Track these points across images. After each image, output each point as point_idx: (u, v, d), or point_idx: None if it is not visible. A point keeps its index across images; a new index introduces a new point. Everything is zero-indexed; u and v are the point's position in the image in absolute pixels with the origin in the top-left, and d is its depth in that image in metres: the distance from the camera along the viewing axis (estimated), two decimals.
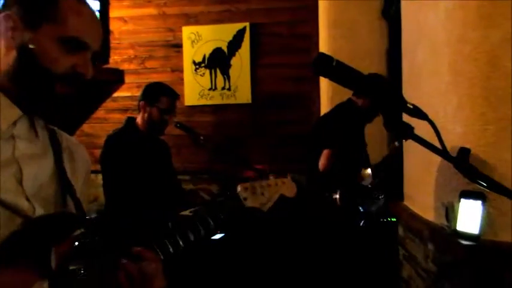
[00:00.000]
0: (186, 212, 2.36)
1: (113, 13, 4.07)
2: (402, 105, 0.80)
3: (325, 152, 2.54)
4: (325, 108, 3.66)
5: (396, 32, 3.58)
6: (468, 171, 0.77)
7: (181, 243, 0.95)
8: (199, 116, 3.93)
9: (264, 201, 1.10)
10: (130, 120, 2.52)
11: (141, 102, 2.47)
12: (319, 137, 2.70)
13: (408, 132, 0.80)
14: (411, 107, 0.80)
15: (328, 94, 3.61)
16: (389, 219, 2.42)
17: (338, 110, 2.78)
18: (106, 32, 4.00)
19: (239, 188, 1.09)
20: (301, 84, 3.85)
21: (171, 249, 0.93)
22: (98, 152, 4.08)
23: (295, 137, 3.68)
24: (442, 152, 0.78)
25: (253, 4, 3.90)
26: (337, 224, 2.50)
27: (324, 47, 3.69)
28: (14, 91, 0.86)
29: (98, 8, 3.89)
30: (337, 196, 2.50)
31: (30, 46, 0.84)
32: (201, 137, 2.62)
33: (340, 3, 3.60)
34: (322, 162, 2.54)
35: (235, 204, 1.07)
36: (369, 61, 3.56)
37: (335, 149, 2.53)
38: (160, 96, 2.45)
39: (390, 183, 2.45)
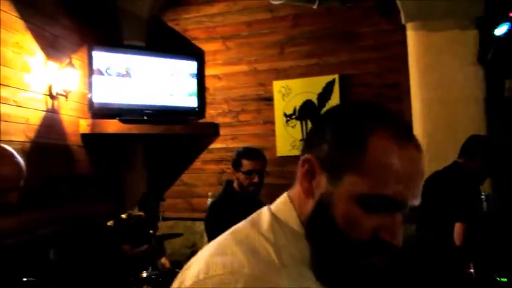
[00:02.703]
0: None
1: (208, 71, 4.41)
2: None
3: (460, 227, 2.45)
4: None
5: (494, 78, 3.45)
6: None
7: None
8: (291, 166, 4.02)
9: None
10: (229, 184, 2.74)
11: (231, 169, 2.72)
12: (437, 204, 2.58)
13: None
14: None
15: (423, 144, 3.49)
16: None
17: (452, 175, 2.66)
18: (202, 89, 4.33)
19: None
20: None
21: None
22: (195, 201, 4.39)
23: None
24: None
25: (341, 57, 3.99)
26: None
27: (415, 95, 3.64)
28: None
29: (196, 68, 4.26)
30: (472, 270, 2.39)
31: (327, 198, 0.68)
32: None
33: (431, 49, 3.57)
34: (459, 239, 2.44)
35: None
36: (463, 108, 3.45)
37: (468, 223, 2.45)
38: (242, 159, 2.63)
39: None
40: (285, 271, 0.65)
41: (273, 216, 0.74)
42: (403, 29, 3.72)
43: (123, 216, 3.21)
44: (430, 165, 3.27)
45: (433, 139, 3.47)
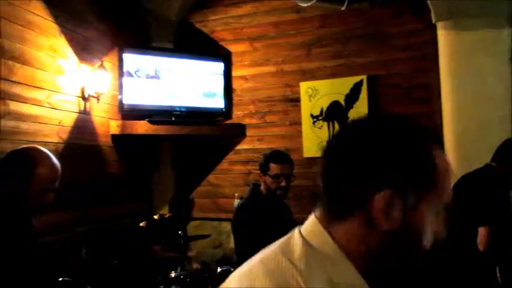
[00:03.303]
0: None
1: (236, 72, 4.43)
2: None
3: (484, 231, 2.40)
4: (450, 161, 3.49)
5: None
6: None
7: None
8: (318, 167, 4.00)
9: None
10: (255, 187, 2.75)
11: (259, 173, 2.72)
12: (465, 205, 2.54)
13: None
14: None
15: (454, 146, 3.44)
16: None
17: (481, 178, 2.61)
18: (229, 90, 4.36)
19: None
20: None
21: None
22: (222, 201, 4.42)
23: None
24: None
25: (370, 57, 3.94)
26: None
27: (446, 96, 3.56)
28: (363, 272, 0.71)
29: (223, 69, 4.29)
30: (498, 274, 2.35)
31: (409, 225, 0.69)
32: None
33: (462, 49, 3.49)
34: (482, 243, 2.39)
35: None
36: (495, 109, 3.36)
37: (494, 226, 2.40)
38: (269, 163, 2.63)
39: None
40: None
41: (305, 240, 0.72)
42: (433, 29, 3.65)
43: (155, 217, 3.26)
44: (460, 167, 3.20)
45: (464, 141, 3.40)
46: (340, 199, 0.72)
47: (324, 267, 0.68)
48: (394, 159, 0.68)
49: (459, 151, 3.41)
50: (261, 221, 2.49)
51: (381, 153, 0.69)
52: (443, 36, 3.57)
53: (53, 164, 1.75)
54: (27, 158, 1.73)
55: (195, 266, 3.44)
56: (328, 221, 0.73)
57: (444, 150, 0.74)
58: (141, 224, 3.16)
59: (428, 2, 3.52)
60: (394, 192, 0.67)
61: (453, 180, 2.91)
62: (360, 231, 0.70)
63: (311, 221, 0.75)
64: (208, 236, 3.66)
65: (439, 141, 0.74)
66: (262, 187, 2.72)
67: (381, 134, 0.72)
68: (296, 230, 0.75)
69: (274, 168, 2.63)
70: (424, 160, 0.69)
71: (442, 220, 0.73)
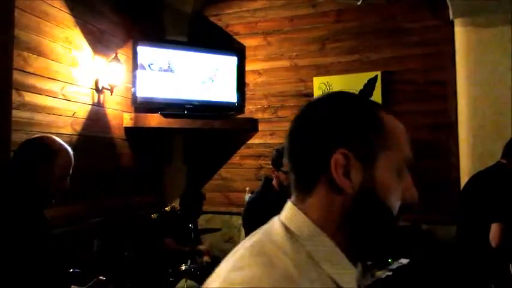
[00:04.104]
0: None
1: (249, 67, 4.42)
2: None
3: (496, 227, 2.37)
4: (464, 158, 3.45)
5: None
6: None
7: None
8: None
9: None
10: (267, 182, 2.76)
11: (271, 168, 2.73)
12: (477, 202, 2.54)
13: None
14: None
15: (469, 143, 3.40)
16: None
17: (492, 175, 2.58)
18: (242, 84, 4.35)
19: None
20: (438, 132, 3.68)
21: None
22: (233, 195, 4.43)
23: (431, 187, 3.40)
24: None
25: (384, 53, 3.90)
26: None
27: (462, 92, 3.51)
28: (343, 242, 0.72)
29: (236, 63, 4.28)
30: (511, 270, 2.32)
31: (368, 182, 0.71)
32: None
33: (480, 46, 3.43)
34: (494, 240, 2.37)
35: None
36: (509, 104, 3.32)
37: (506, 223, 2.36)
38: (283, 159, 2.62)
39: None
40: (303, 280, 0.66)
41: (285, 226, 0.75)
42: (450, 25, 3.59)
43: (167, 209, 3.28)
44: (476, 163, 3.17)
45: (480, 138, 3.35)
46: (304, 170, 0.76)
47: (303, 247, 0.71)
48: (344, 121, 0.74)
49: (474, 147, 3.37)
50: (271, 216, 2.48)
51: (331, 117, 0.74)
52: (461, 33, 3.51)
53: (68, 151, 1.85)
54: (48, 147, 1.82)
55: (206, 259, 3.45)
56: (301, 200, 0.76)
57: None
58: (153, 216, 3.18)
59: None
60: (349, 151, 0.71)
61: (467, 177, 2.89)
62: (326, 200, 0.73)
63: (287, 207, 0.79)
64: (218, 229, 3.67)
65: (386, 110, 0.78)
66: (274, 182, 2.71)
67: (332, 102, 0.78)
68: (276, 218, 0.79)
69: None
70: (371, 119, 0.74)
71: (410, 181, 0.76)
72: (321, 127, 0.74)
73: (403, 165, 0.75)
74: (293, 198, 0.79)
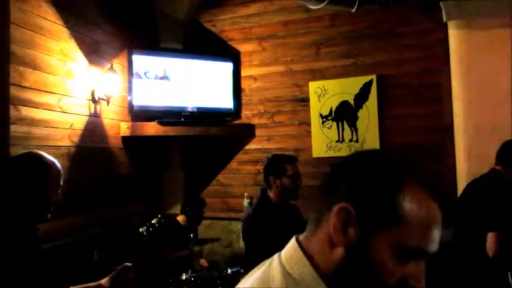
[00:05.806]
0: None
1: (244, 72, 4.43)
2: None
3: (493, 237, 2.39)
4: (461, 161, 3.47)
5: None
6: None
7: None
8: (327, 167, 3.99)
9: None
10: (264, 193, 2.71)
11: (270, 178, 2.66)
12: (474, 211, 2.55)
13: None
14: None
15: (465, 145, 3.42)
16: None
17: (487, 183, 2.60)
18: (238, 90, 4.36)
19: None
20: (434, 135, 3.70)
21: None
22: (232, 201, 4.44)
23: (427, 190, 3.44)
24: None
25: (379, 57, 3.91)
26: None
27: (457, 95, 3.54)
28: None
29: (231, 69, 4.29)
30: (510, 279, 2.34)
31: (362, 248, 0.69)
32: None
33: (474, 48, 3.45)
34: (491, 249, 2.39)
35: None
36: (507, 110, 3.34)
37: (502, 232, 2.39)
38: (285, 165, 2.64)
39: None
40: None
41: (285, 271, 0.74)
42: (444, 28, 3.61)
43: (154, 221, 3.28)
44: (471, 168, 3.20)
45: (475, 141, 3.38)
46: (314, 210, 0.78)
47: None
48: (362, 180, 0.73)
49: (470, 150, 3.40)
50: (272, 230, 2.48)
51: (352, 173, 0.75)
52: (454, 36, 3.53)
53: (57, 163, 1.89)
54: (40, 161, 1.84)
55: (202, 262, 3.45)
56: (308, 238, 0.77)
57: (430, 197, 0.73)
58: (141, 230, 3.19)
59: (440, 1, 3.48)
60: (353, 208, 0.70)
61: (464, 180, 2.89)
62: (325, 246, 0.73)
63: (291, 246, 0.79)
64: (218, 239, 3.68)
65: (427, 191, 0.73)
66: (272, 192, 2.68)
67: (361, 160, 0.78)
68: (276, 258, 0.79)
69: (290, 168, 2.65)
70: (387, 191, 0.71)
71: (416, 271, 0.70)
72: (339, 177, 0.77)
73: (412, 253, 0.70)
74: (302, 236, 0.80)
